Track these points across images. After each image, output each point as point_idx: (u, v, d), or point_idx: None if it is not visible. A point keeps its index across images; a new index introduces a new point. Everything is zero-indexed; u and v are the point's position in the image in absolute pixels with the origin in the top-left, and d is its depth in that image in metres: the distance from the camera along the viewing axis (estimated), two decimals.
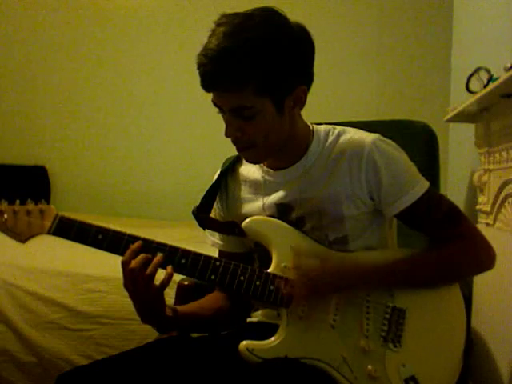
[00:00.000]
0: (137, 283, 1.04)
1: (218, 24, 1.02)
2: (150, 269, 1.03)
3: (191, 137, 3.65)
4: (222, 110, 1.07)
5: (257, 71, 1.00)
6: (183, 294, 1.49)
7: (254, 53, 0.99)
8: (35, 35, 3.72)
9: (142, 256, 1.04)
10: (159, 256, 1.05)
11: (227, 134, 1.07)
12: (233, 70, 0.99)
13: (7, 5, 3.74)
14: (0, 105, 3.77)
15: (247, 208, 1.19)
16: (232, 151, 1.25)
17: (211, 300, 1.26)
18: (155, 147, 3.69)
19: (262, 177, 1.19)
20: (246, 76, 1.00)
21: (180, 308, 1.17)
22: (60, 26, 3.71)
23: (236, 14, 1.02)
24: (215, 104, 1.06)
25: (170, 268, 1.05)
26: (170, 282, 1.06)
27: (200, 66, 1.01)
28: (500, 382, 1.44)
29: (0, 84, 3.77)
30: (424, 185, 1.11)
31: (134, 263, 1.03)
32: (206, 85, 1.02)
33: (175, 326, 1.19)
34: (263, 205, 1.17)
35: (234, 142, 1.09)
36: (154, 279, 1.05)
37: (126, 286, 1.06)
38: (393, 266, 1.08)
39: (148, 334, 1.87)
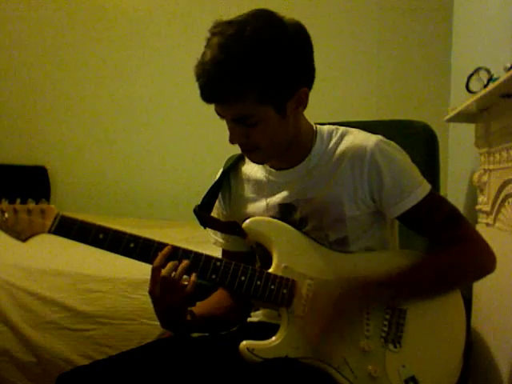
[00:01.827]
0: (166, 290, 1.04)
1: (213, 33, 1.01)
2: (177, 274, 1.04)
3: (192, 137, 3.64)
4: (224, 118, 1.07)
5: (254, 82, 0.99)
6: None
7: (249, 64, 0.98)
8: (35, 35, 3.72)
9: (172, 263, 1.04)
10: (185, 262, 1.05)
11: (231, 141, 1.08)
12: (229, 82, 0.98)
13: (7, 5, 3.74)
14: (0, 105, 3.77)
15: (250, 208, 1.19)
16: (233, 151, 1.25)
17: (220, 298, 1.26)
18: (155, 147, 3.69)
19: (265, 177, 1.19)
20: (244, 87, 0.99)
21: (196, 310, 1.18)
22: (60, 26, 3.70)
23: (229, 23, 1.01)
24: (217, 113, 1.06)
25: (194, 276, 1.06)
26: (194, 288, 1.06)
27: (198, 78, 1.01)
28: (500, 382, 1.44)
29: (0, 84, 3.77)
30: (426, 187, 1.11)
31: (167, 270, 1.04)
32: (206, 98, 1.02)
33: (193, 329, 1.19)
34: (266, 205, 1.17)
35: (239, 145, 1.10)
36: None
37: (152, 291, 1.06)
38: (396, 281, 1.07)
39: (148, 334, 1.87)
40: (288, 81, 1.03)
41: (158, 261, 1.05)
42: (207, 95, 1.02)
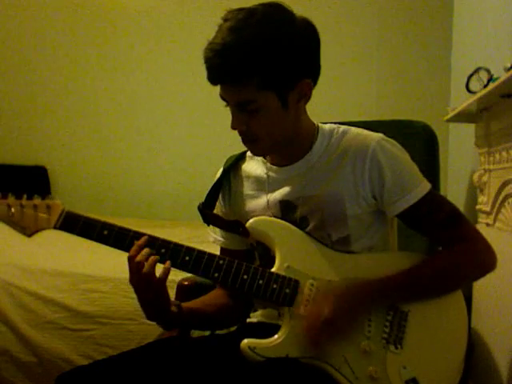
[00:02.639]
0: (140, 278, 1.04)
1: (225, 19, 1.04)
2: (146, 265, 1.03)
3: (192, 137, 3.65)
4: (228, 103, 1.08)
5: (259, 66, 1.01)
6: (183, 294, 1.50)
7: (255, 48, 1.01)
8: (35, 35, 3.72)
9: (146, 250, 1.05)
10: (156, 257, 1.05)
11: (233, 126, 1.09)
12: (236, 64, 1.01)
13: (7, 5, 3.74)
14: (0, 105, 3.77)
15: (251, 205, 1.20)
16: (233, 150, 1.25)
17: (214, 296, 1.26)
18: (155, 147, 3.69)
19: (266, 173, 1.19)
20: (248, 70, 1.01)
21: (184, 304, 1.17)
22: (60, 26, 3.70)
23: (241, 10, 1.05)
24: (222, 97, 1.08)
25: (168, 263, 1.06)
26: (167, 275, 1.06)
27: (206, 60, 1.03)
28: (500, 382, 1.44)
29: (0, 84, 3.77)
30: (426, 186, 1.11)
31: (139, 257, 1.04)
32: (212, 78, 1.04)
33: (179, 323, 1.19)
34: (267, 202, 1.17)
35: (240, 134, 1.11)
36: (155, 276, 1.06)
37: (131, 281, 1.06)
38: (398, 282, 1.07)
39: (148, 333, 1.87)
40: (291, 69, 1.05)
41: (133, 250, 1.05)
42: (213, 75, 1.04)
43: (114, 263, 1.98)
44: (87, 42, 3.70)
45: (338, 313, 1.02)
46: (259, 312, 1.23)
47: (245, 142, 1.13)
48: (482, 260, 1.11)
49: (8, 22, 3.74)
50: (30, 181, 3.59)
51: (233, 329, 1.30)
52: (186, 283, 1.51)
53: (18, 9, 3.73)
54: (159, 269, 1.06)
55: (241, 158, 1.25)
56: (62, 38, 3.71)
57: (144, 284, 1.05)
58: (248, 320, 1.25)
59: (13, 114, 3.76)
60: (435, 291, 1.10)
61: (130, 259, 1.05)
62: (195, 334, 1.39)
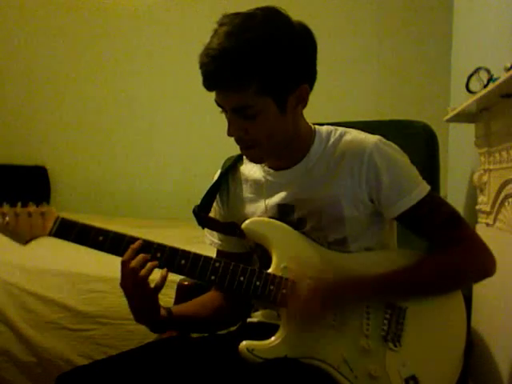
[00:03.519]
0: (135, 282, 1.04)
1: (221, 24, 1.03)
2: (143, 271, 1.03)
3: (191, 137, 3.65)
4: (224, 110, 1.07)
5: (257, 71, 1.00)
6: (183, 294, 1.49)
7: (254, 53, 0.99)
8: (35, 35, 3.72)
9: (142, 256, 1.04)
10: (155, 262, 1.05)
11: (229, 133, 1.07)
12: (234, 69, 0.99)
13: (7, 4, 3.74)
14: (0, 105, 3.77)
15: (249, 208, 1.19)
16: (232, 151, 1.25)
17: (208, 299, 1.25)
18: (155, 147, 3.69)
19: (264, 177, 1.19)
20: (246, 75, 1.00)
21: (175, 309, 1.17)
22: (60, 26, 3.71)
23: (237, 14, 1.03)
24: (218, 104, 1.07)
25: (164, 271, 1.05)
26: (163, 283, 1.06)
27: (202, 65, 1.02)
28: (500, 382, 1.44)
29: (0, 84, 3.77)
30: (424, 188, 1.11)
31: (134, 262, 1.03)
32: (208, 84, 1.03)
33: (170, 327, 1.19)
34: (265, 206, 1.16)
35: (237, 141, 1.10)
36: (150, 280, 1.05)
37: (123, 285, 1.06)
38: (393, 279, 1.07)
39: (148, 333, 1.84)
40: (289, 74, 1.04)
41: (127, 254, 1.04)
42: (210, 81, 1.02)
43: (114, 263, 1.97)
44: (87, 43, 3.70)
45: (326, 303, 1.03)
46: (260, 312, 1.23)
47: (242, 149, 1.12)
48: (482, 261, 1.11)
49: (8, 22, 3.75)
50: (30, 181, 3.60)
51: (233, 329, 1.30)
52: (185, 283, 1.51)
53: (18, 9, 3.73)
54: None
55: (239, 159, 1.25)
56: (62, 38, 3.71)
57: (138, 289, 1.05)
58: (248, 320, 1.25)
59: (13, 114, 3.77)
60: (432, 290, 1.10)
61: (124, 263, 1.04)
62: (195, 334, 1.39)
